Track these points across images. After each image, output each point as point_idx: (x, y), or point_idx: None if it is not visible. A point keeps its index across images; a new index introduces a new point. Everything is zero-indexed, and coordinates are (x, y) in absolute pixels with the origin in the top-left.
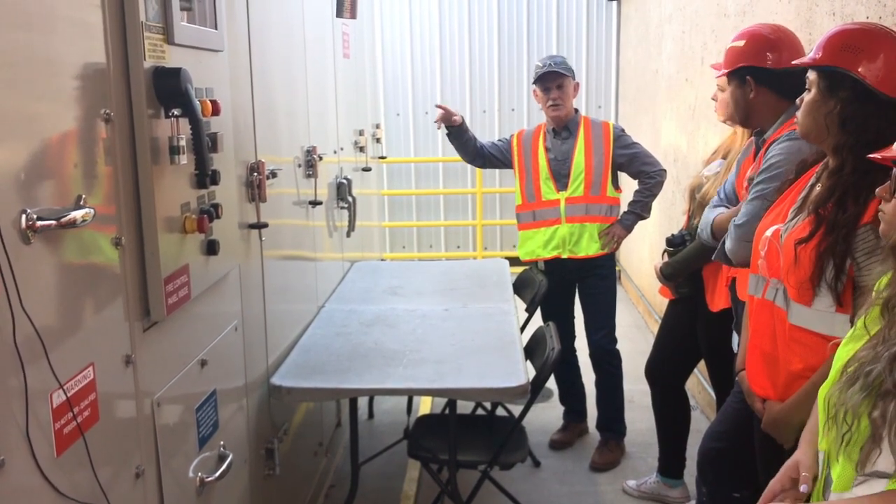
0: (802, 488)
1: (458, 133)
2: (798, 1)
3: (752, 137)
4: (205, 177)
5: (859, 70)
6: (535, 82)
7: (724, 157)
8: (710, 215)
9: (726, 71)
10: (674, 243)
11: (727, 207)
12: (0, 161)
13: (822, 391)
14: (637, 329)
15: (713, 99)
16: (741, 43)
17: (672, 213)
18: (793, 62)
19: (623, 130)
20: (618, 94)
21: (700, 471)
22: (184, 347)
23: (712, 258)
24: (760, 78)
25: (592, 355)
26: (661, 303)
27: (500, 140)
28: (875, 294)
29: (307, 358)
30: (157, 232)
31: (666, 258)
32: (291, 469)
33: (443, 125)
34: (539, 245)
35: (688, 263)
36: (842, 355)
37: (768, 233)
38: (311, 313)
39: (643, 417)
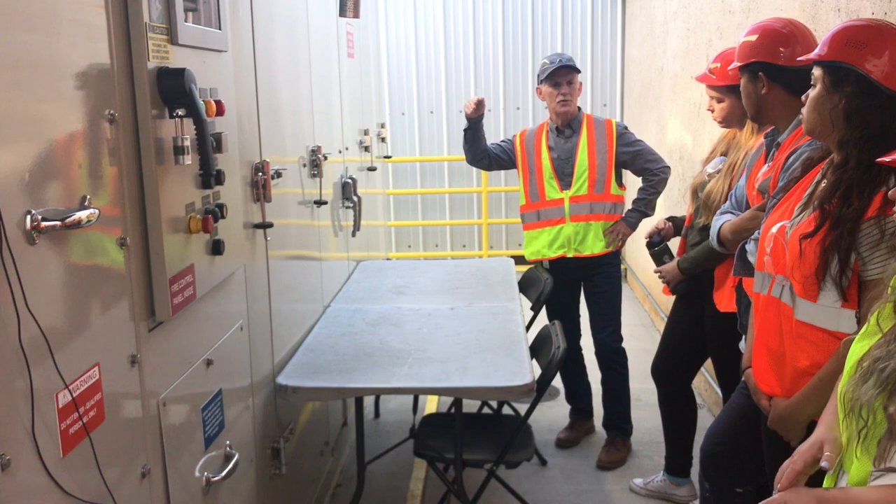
0: (824, 464)
1: (476, 125)
2: None
3: (762, 139)
4: (209, 177)
5: (864, 65)
6: (544, 79)
7: (724, 154)
8: (717, 222)
9: (739, 64)
10: (652, 244)
11: (734, 214)
12: (5, 162)
13: (840, 387)
14: (643, 327)
15: (709, 110)
16: (754, 37)
17: (678, 211)
18: (798, 59)
19: (626, 128)
20: (623, 91)
21: (703, 466)
22: (189, 347)
23: (732, 273)
24: (772, 74)
25: (598, 354)
26: (668, 301)
27: (503, 141)
28: (890, 291)
29: (313, 357)
30: (162, 232)
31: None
32: (297, 468)
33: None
34: (544, 245)
35: (704, 258)
36: (856, 351)
37: (774, 230)
38: (316, 313)
39: (650, 416)
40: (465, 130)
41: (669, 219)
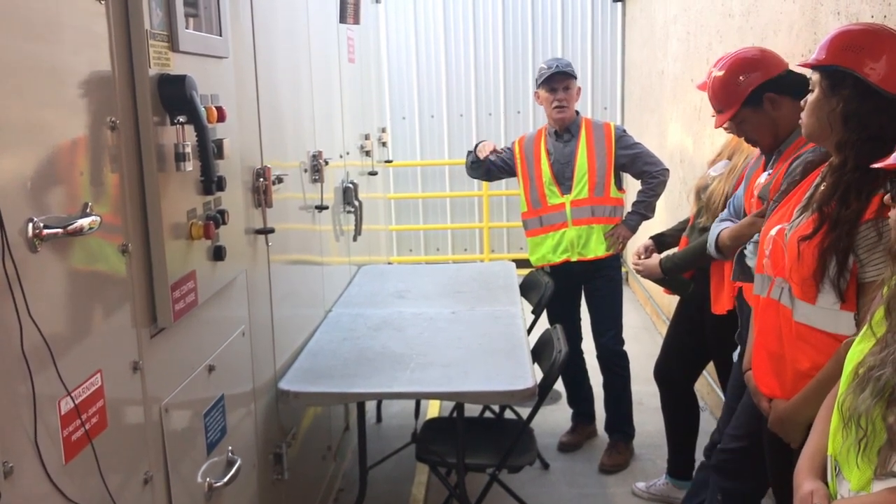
0: None
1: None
2: (803, 0)
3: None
4: (211, 183)
5: (862, 69)
6: (540, 84)
7: (729, 158)
8: (716, 229)
9: (735, 109)
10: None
11: (733, 222)
12: (7, 169)
13: (839, 393)
14: (645, 330)
15: (713, 116)
16: (752, 75)
17: (679, 215)
18: (799, 63)
19: (625, 131)
20: (623, 95)
21: (706, 465)
22: (191, 353)
23: (731, 279)
24: (780, 88)
25: (600, 357)
26: (669, 304)
27: (501, 150)
28: (885, 292)
29: (314, 362)
30: (164, 238)
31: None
32: (300, 473)
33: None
34: (549, 250)
35: (689, 260)
36: (854, 355)
37: (773, 232)
38: (318, 318)
39: (652, 419)
40: (473, 162)
41: (655, 237)
